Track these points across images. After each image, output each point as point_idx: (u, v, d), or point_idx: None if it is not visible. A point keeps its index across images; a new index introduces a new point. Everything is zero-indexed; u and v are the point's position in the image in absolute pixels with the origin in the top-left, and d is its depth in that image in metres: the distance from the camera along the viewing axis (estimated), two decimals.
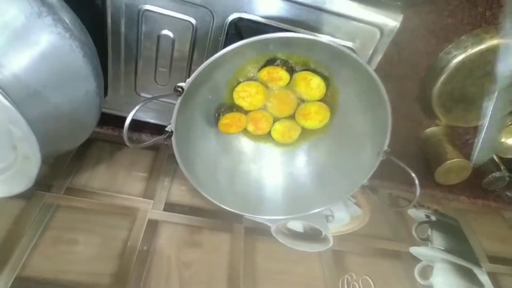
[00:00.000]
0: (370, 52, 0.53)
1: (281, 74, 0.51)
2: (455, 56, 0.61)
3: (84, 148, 0.61)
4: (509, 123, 0.69)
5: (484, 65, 0.61)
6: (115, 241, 0.50)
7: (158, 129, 0.47)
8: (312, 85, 0.52)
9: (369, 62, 0.54)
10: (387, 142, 0.49)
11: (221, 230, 0.56)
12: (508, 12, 0.48)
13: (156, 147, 0.66)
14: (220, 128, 0.55)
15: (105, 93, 0.57)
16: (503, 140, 0.73)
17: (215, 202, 0.54)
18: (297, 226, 0.60)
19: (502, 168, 0.77)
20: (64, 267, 0.45)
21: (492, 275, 0.63)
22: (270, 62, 0.51)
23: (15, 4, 0.37)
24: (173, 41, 0.52)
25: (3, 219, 0.48)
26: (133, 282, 0.46)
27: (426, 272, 0.60)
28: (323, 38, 0.47)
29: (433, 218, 0.71)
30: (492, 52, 0.59)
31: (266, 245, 0.56)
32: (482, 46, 0.59)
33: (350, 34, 0.51)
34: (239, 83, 0.52)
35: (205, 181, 0.54)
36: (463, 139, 0.75)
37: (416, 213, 0.71)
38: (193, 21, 0.50)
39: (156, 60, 0.55)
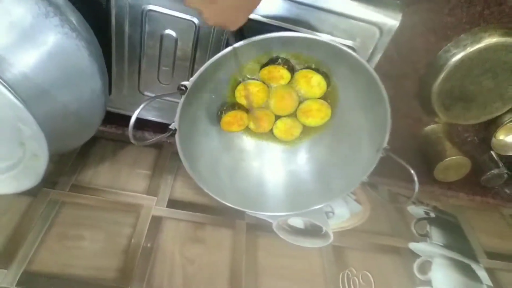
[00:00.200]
0: (370, 50, 0.54)
1: (282, 72, 0.52)
2: (454, 55, 0.61)
3: (89, 146, 0.62)
4: (507, 121, 0.70)
5: (483, 63, 0.62)
6: (119, 237, 0.51)
7: (161, 127, 0.48)
8: (312, 83, 0.53)
9: (369, 60, 0.55)
10: (386, 139, 0.50)
11: (224, 226, 0.57)
12: None
13: (159, 145, 0.67)
14: (222, 126, 0.56)
15: (109, 92, 0.58)
16: (501, 137, 0.74)
17: (217, 198, 0.55)
18: (298, 222, 0.61)
19: (500, 165, 0.77)
20: (70, 261, 0.46)
21: (490, 271, 0.64)
22: (272, 61, 0.51)
23: (22, 4, 0.38)
24: (176, 41, 0.53)
25: (10, 216, 0.49)
26: (137, 276, 0.47)
27: (425, 267, 0.61)
28: (323, 37, 0.48)
29: (432, 214, 0.72)
30: (491, 51, 0.60)
31: (268, 241, 0.57)
32: (481, 45, 0.60)
33: (350, 33, 0.52)
34: (240, 81, 0.53)
35: (208, 178, 0.55)
36: (462, 137, 0.76)
37: (416, 210, 0.72)
38: (195, 20, 0.51)
39: (159, 59, 0.55)
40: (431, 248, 0.64)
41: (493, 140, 0.74)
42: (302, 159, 0.61)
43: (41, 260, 0.46)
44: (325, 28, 0.52)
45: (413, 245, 0.64)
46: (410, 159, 0.52)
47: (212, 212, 0.58)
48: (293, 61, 0.52)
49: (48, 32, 0.39)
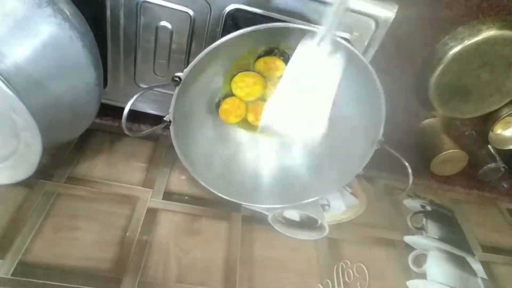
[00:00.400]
0: (366, 43, 0.54)
1: (278, 64, 0.52)
2: (451, 48, 0.61)
3: (85, 138, 0.62)
4: (504, 115, 0.70)
5: (480, 56, 0.61)
6: (115, 228, 0.51)
7: (158, 120, 0.48)
8: None
9: (365, 53, 0.55)
10: (381, 131, 0.50)
11: (219, 218, 0.57)
12: None
13: (156, 137, 0.67)
14: (220, 115, 0.56)
15: (105, 84, 0.58)
16: (498, 131, 0.74)
17: (212, 190, 0.55)
18: (293, 215, 0.61)
19: (497, 159, 0.77)
20: (65, 252, 0.47)
21: (485, 264, 0.64)
22: (268, 52, 0.51)
23: None
24: (171, 32, 0.53)
25: (6, 207, 0.49)
26: (132, 267, 0.47)
27: (420, 260, 0.61)
28: (319, 29, 0.48)
29: (428, 208, 0.72)
30: (489, 44, 0.60)
31: (263, 233, 0.57)
32: (479, 38, 0.60)
33: (346, 25, 0.52)
34: (237, 73, 0.53)
35: (203, 170, 0.55)
36: (459, 131, 0.76)
37: (412, 203, 0.72)
38: (191, 12, 0.51)
39: (154, 51, 0.55)
40: (426, 241, 0.65)
41: (491, 134, 0.74)
42: (297, 152, 0.61)
43: (37, 251, 0.46)
44: (321, 20, 0.52)
45: (408, 238, 0.64)
46: (407, 153, 0.52)
47: (207, 204, 0.58)
48: (289, 53, 0.52)
49: (41, 23, 0.39)
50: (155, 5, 0.50)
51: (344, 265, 0.56)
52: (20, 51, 0.38)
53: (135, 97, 0.41)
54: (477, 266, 0.63)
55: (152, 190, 0.58)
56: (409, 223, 0.67)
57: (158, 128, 0.47)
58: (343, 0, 0.40)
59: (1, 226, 0.47)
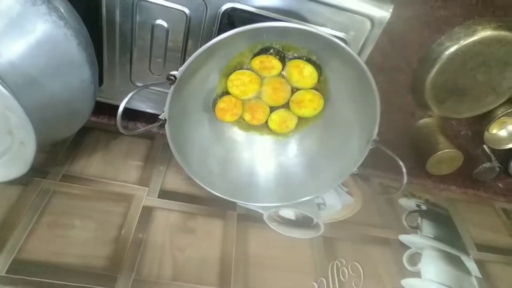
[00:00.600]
0: (361, 42, 0.54)
1: (274, 63, 0.52)
2: (447, 48, 0.61)
3: (80, 136, 0.62)
4: (500, 115, 0.70)
5: (476, 56, 0.62)
6: (110, 226, 0.51)
7: (155, 119, 0.48)
8: (304, 73, 0.53)
9: (360, 52, 0.55)
10: (376, 130, 0.50)
11: (215, 216, 0.57)
12: None
13: (152, 136, 0.67)
14: (216, 114, 0.56)
15: (101, 83, 0.58)
16: (494, 131, 0.74)
17: (208, 189, 0.55)
18: (289, 213, 0.61)
19: (493, 159, 0.78)
20: (60, 250, 0.47)
21: (479, 263, 0.65)
22: (263, 51, 0.51)
23: None
24: (167, 31, 0.53)
25: (1, 204, 0.49)
26: (127, 265, 0.47)
27: (415, 259, 0.61)
28: (315, 28, 0.48)
29: (424, 207, 0.72)
30: (485, 44, 0.60)
31: (258, 232, 0.57)
32: (475, 38, 0.60)
33: (341, 25, 0.52)
34: (233, 71, 0.53)
35: (198, 168, 0.55)
36: (455, 130, 0.76)
37: (407, 202, 0.72)
38: (186, 11, 0.51)
39: (150, 49, 0.55)
40: (421, 240, 0.65)
41: (486, 133, 0.74)
42: (293, 151, 0.62)
43: (32, 248, 0.46)
44: (317, 20, 0.52)
45: (403, 237, 0.64)
46: (403, 153, 0.52)
47: (203, 203, 0.58)
48: (285, 52, 0.52)
49: (35, 20, 0.39)
50: (151, 3, 0.50)
51: (339, 264, 0.56)
52: (15, 49, 0.38)
53: (130, 95, 0.41)
54: (471, 265, 0.64)
55: (147, 188, 0.58)
56: (404, 222, 0.67)
57: (153, 127, 0.47)
58: None
59: None
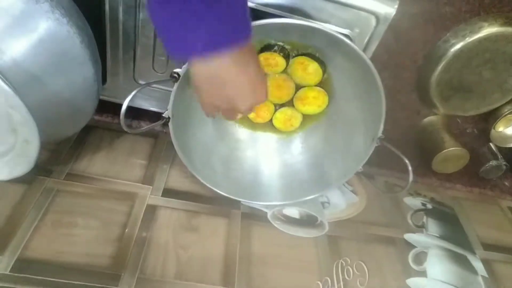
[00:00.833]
0: (366, 39, 0.53)
1: (278, 60, 0.52)
2: (453, 45, 0.61)
3: (84, 135, 0.62)
4: (506, 112, 0.69)
5: (482, 53, 0.61)
6: (114, 224, 0.51)
7: (158, 117, 0.48)
8: (309, 70, 0.52)
9: (365, 49, 0.54)
10: (381, 128, 0.50)
11: (218, 215, 0.57)
12: None
13: (155, 134, 0.67)
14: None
15: (104, 81, 0.58)
16: (500, 129, 0.73)
17: (211, 187, 0.55)
18: (293, 212, 0.61)
19: (499, 157, 0.77)
20: (64, 249, 0.47)
21: (486, 262, 0.64)
22: (267, 48, 0.51)
23: None
24: None
25: (5, 203, 0.49)
26: (131, 264, 0.47)
27: (420, 258, 0.61)
28: (319, 24, 0.48)
29: (429, 206, 0.72)
30: (491, 41, 0.59)
31: (262, 230, 0.57)
32: (480, 35, 0.59)
33: (346, 21, 0.51)
34: None
35: (202, 166, 0.55)
36: (460, 128, 0.75)
37: (413, 201, 0.72)
38: None
39: (154, 47, 0.55)
40: (427, 239, 0.64)
41: (492, 131, 0.73)
42: (297, 149, 0.61)
43: (35, 247, 0.46)
44: (322, 17, 0.51)
45: (408, 236, 0.64)
46: (408, 151, 0.51)
47: (207, 202, 0.58)
48: (289, 49, 0.51)
49: (38, 18, 0.39)
50: None
51: (344, 263, 0.56)
52: (18, 47, 0.38)
53: (133, 93, 0.41)
54: (478, 264, 0.63)
55: (151, 187, 0.58)
56: (409, 221, 0.67)
57: (157, 125, 0.47)
58: None
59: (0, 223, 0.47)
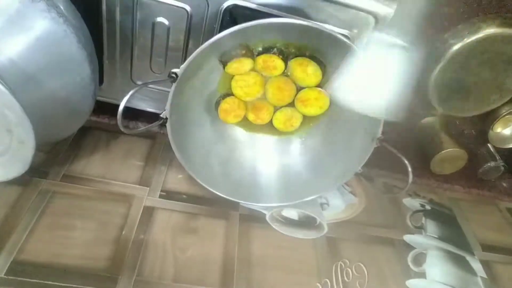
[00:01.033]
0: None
1: (276, 63, 0.51)
2: (451, 45, 0.61)
3: (81, 136, 0.61)
4: (504, 113, 0.69)
5: (480, 54, 0.61)
6: (111, 226, 0.50)
7: (156, 118, 0.48)
8: (308, 71, 0.52)
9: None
10: (380, 129, 0.49)
11: (217, 217, 0.57)
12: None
13: (153, 135, 0.67)
14: (219, 115, 0.55)
15: (101, 82, 0.58)
16: (498, 130, 0.74)
17: (209, 188, 0.55)
18: (292, 213, 0.61)
19: (497, 158, 0.77)
20: (60, 251, 0.46)
21: (485, 263, 0.64)
22: (266, 50, 0.51)
23: None
24: (168, 29, 0.52)
25: (0, 205, 0.49)
26: (128, 266, 0.47)
27: (420, 259, 0.60)
28: (318, 24, 0.47)
29: (428, 207, 0.72)
30: (489, 42, 0.59)
31: (261, 232, 0.57)
32: (479, 36, 0.59)
33: (345, 22, 0.51)
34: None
35: (200, 167, 0.54)
36: (459, 129, 0.76)
37: (411, 202, 0.71)
38: (188, 8, 0.50)
39: (151, 48, 0.55)
40: (426, 240, 0.64)
41: (490, 132, 0.73)
42: (296, 150, 0.61)
43: (31, 250, 0.45)
44: (320, 17, 0.51)
45: (408, 237, 0.63)
46: (406, 152, 0.51)
47: (205, 203, 0.58)
48: (287, 50, 0.51)
49: (34, 17, 0.38)
50: (152, 0, 0.49)
51: (343, 264, 0.55)
52: (13, 46, 0.37)
53: (130, 93, 0.40)
54: (476, 265, 0.63)
55: (148, 188, 0.57)
56: (408, 222, 0.67)
57: (154, 125, 0.47)
58: None
59: None
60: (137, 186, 0.57)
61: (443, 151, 0.71)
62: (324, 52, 0.51)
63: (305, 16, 0.51)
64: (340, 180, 0.57)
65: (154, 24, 0.52)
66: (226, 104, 0.55)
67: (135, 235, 0.50)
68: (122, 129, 0.41)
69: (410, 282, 0.56)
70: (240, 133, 0.60)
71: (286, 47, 0.51)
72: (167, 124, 0.47)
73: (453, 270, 0.61)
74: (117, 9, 0.50)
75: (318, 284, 0.52)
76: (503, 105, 0.69)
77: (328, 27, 0.51)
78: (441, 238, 0.65)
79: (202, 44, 0.50)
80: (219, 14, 0.51)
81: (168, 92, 0.45)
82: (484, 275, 0.62)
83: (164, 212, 0.55)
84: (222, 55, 0.49)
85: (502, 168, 0.77)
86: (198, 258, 0.50)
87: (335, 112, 0.56)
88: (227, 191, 0.56)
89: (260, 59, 0.51)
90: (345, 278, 0.54)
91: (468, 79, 0.64)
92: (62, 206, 0.51)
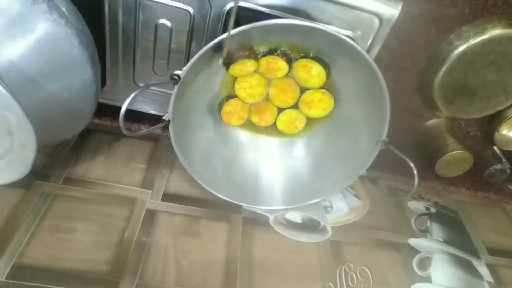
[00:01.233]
0: (370, 41, 0.53)
1: (280, 64, 0.51)
2: (456, 47, 0.60)
3: (83, 138, 0.61)
4: (510, 115, 0.69)
5: (486, 55, 0.60)
6: (112, 230, 0.50)
7: (158, 120, 0.47)
8: (312, 73, 0.52)
9: (369, 51, 0.53)
10: (385, 131, 0.49)
11: (219, 220, 0.56)
12: None
13: (155, 138, 0.66)
14: (222, 117, 0.55)
15: (103, 84, 0.57)
16: (504, 132, 0.73)
17: (212, 191, 0.54)
18: (295, 217, 0.60)
19: (503, 160, 0.76)
20: (61, 255, 0.46)
21: (491, 267, 0.63)
22: (270, 52, 0.50)
23: None
24: (170, 30, 0.52)
25: (1, 208, 0.48)
26: (130, 269, 0.46)
27: (425, 263, 0.60)
28: (322, 25, 0.47)
29: (433, 210, 0.71)
30: (495, 42, 0.59)
31: (264, 235, 0.56)
32: (484, 37, 0.58)
33: (349, 23, 0.51)
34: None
35: (202, 170, 0.54)
36: (464, 131, 0.75)
37: (416, 205, 0.71)
38: (190, 10, 0.50)
39: (154, 49, 0.54)
40: (431, 243, 0.63)
41: (496, 134, 0.73)
42: (299, 152, 0.60)
43: (33, 253, 0.45)
44: (324, 18, 0.51)
45: (412, 241, 0.63)
46: (411, 154, 0.51)
47: (208, 206, 0.57)
48: (291, 52, 0.51)
49: (35, 19, 0.38)
50: (154, 2, 0.49)
51: (347, 268, 0.55)
52: (14, 48, 0.37)
53: (132, 95, 0.40)
54: (483, 269, 0.62)
55: (151, 191, 0.57)
56: (413, 225, 0.66)
57: (156, 128, 0.47)
58: None
59: None
60: (139, 189, 0.57)
61: (448, 154, 0.70)
62: (328, 53, 0.50)
63: (309, 17, 0.51)
64: (344, 183, 0.56)
65: (156, 26, 0.52)
66: (229, 106, 0.54)
67: (137, 238, 0.50)
68: (124, 131, 0.41)
69: (415, 286, 0.56)
70: (243, 135, 0.60)
71: (289, 49, 0.50)
72: (170, 127, 0.47)
73: (459, 274, 0.60)
74: (120, 11, 0.50)
75: None
76: (509, 107, 0.69)
77: (332, 28, 0.50)
78: (446, 242, 0.64)
79: (204, 46, 0.50)
80: (222, 15, 0.50)
81: (171, 94, 0.45)
82: (491, 280, 0.61)
83: (167, 215, 0.54)
84: (225, 57, 0.48)
85: (508, 170, 0.76)
86: (201, 262, 0.50)
87: (338, 114, 0.56)
88: (230, 193, 0.55)
89: (264, 61, 0.51)
90: (350, 283, 0.53)
91: (473, 81, 0.64)
92: (64, 209, 0.51)
